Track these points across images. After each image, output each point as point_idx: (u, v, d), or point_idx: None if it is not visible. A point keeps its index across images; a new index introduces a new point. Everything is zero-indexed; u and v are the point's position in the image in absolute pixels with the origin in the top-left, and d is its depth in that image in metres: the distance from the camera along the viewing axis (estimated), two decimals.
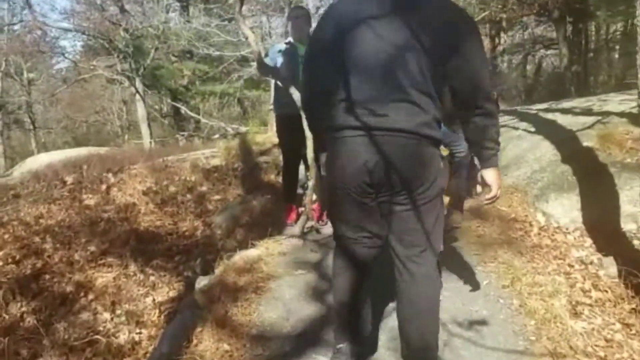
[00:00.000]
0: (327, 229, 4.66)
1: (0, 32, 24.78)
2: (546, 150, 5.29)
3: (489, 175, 2.31)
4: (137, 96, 22.31)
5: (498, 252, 3.84)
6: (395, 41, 2.06)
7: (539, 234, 4.26)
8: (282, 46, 4.64)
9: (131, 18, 21.26)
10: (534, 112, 7.30)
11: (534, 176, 4.95)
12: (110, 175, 6.83)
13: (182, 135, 22.53)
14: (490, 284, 3.39)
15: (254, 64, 19.51)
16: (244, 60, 19.77)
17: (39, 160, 17.62)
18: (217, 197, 6.19)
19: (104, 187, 6.56)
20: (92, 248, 5.14)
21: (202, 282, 3.64)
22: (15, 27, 24.62)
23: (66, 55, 24.55)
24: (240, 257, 3.90)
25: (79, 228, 5.51)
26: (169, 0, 22.31)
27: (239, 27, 4.29)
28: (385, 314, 2.99)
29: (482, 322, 2.92)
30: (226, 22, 21.16)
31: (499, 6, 14.66)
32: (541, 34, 22.29)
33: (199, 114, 23.23)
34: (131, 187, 6.45)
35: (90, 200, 6.26)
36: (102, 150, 18.69)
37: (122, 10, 21.65)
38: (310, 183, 4.53)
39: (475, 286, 3.33)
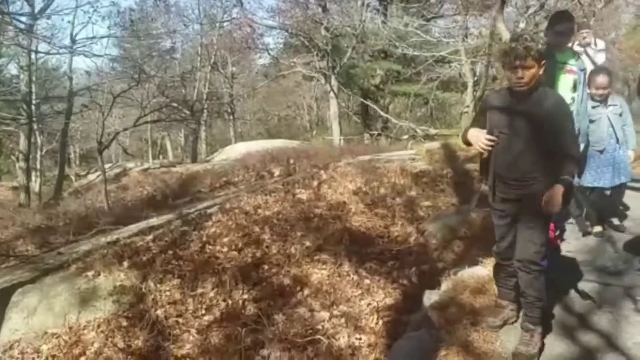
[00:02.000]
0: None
1: (212, 28, 27.14)
2: None
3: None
4: (331, 93, 22.94)
5: None
6: None
7: None
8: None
9: (332, 17, 21.93)
10: None
11: None
12: (322, 172, 6.96)
13: (371, 134, 22.80)
14: None
15: (450, 64, 19.24)
16: (439, 61, 19.44)
17: (237, 149, 19.05)
18: (427, 203, 5.99)
19: (315, 183, 6.70)
20: (307, 243, 5.23)
21: (432, 297, 3.45)
22: (226, 24, 26.72)
23: (269, 51, 25.93)
24: (470, 275, 3.65)
25: (294, 222, 5.65)
26: (368, 0, 22.64)
27: (497, 25, 4.01)
28: None
29: None
30: (425, 22, 20.98)
31: None
32: None
33: (387, 114, 23.32)
34: (342, 186, 6.50)
35: (302, 195, 6.42)
36: (294, 143, 19.67)
37: (324, 9, 22.40)
38: None
39: None
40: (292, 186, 6.73)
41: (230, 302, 4.53)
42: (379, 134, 21.52)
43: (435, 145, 9.67)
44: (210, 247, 5.27)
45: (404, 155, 9.47)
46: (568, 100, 4.33)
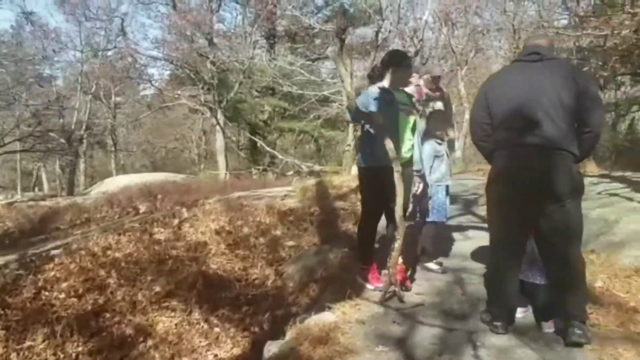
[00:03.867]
0: (412, 297, 4.18)
1: (94, 57, 26.04)
2: None
3: None
4: (217, 127, 22.62)
5: (619, 350, 3.22)
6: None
7: None
8: (376, 92, 4.27)
9: (219, 52, 21.75)
10: None
11: None
12: (184, 210, 6.61)
13: (257, 169, 22.64)
14: None
15: (334, 104, 19.63)
16: (324, 100, 19.77)
17: (116, 182, 18.09)
18: (291, 243, 5.82)
19: (176, 221, 6.34)
20: (157, 288, 4.86)
21: (271, 349, 3.22)
22: (109, 53, 25.75)
23: (153, 82, 25.21)
24: (315, 322, 3.47)
25: (146, 264, 5.26)
26: (256, 37, 22.71)
27: (337, 69, 4.02)
28: None
29: None
30: (310, 62, 21.35)
31: (600, 64, 13.89)
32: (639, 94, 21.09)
33: (274, 149, 23.31)
34: (204, 225, 6.18)
35: (160, 234, 6.03)
36: (178, 177, 19.02)
37: (211, 43, 22.19)
38: (397, 244, 4.07)
39: None
40: (150, 225, 6.32)
41: (62, 355, 4.05)
42: (264, 169, 21.39)
43: (312, 182, 9.63)
44: (47, 293, 4.75)
45: (281, 192, 9.32)
46: (408, 145, 4.38)
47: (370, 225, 4.45)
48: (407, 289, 4.30)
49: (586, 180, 5.05)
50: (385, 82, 4.29)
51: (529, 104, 3.31)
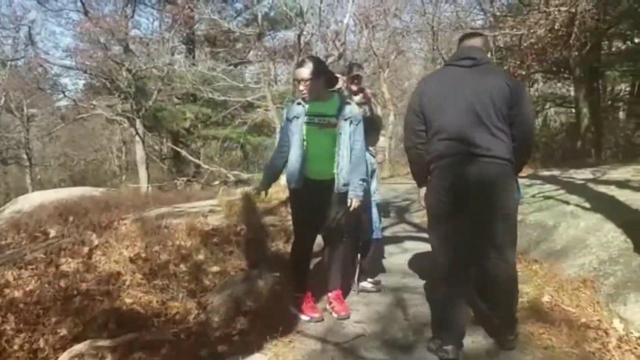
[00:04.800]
0: (351, 327, 3.79)
1: (2, 67, 24.34)
2: (612, 235, 4.44)
3: None
4: (137, 137, 21.65)
5: None
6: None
7: (619, 346, 3.36)
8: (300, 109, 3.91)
9: (135, 58, 20.79)
10: (580, 182, 6.50)
11: (603, 268, 4.06)
12: (94, 236, 5.95)
13: (182, 179, 21.80)
14: None
15: (259, 109, 19.11)
16: (248, 106, 19.21)
17: (31, 200, 16.78)
18: (215, 268, 5.29)
19: (86, 249, 5.68)
20: (63, 331, 4.20)
21: None
22: (19, 63, 24.12)
23: (66, 93, 23.80)
24: None
25: (50, 304, 4.58)
26: (174, 43, 21.90)
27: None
28: None
29: None
30: (232, 67, 20.73)
31: (517, 62, 14.14)
32: (551, 91, 21.84)
33: (199, 158, 22.53)
34: (117, 252, 5.55)
35: (68, 265, 5.36)
36: (98, 191, 17.94)
37: (126, 50, 21.21)
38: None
39: None
40: (57, 254, 5.63)
41: None
42: (188, 180, 20.58)
43: (237, 194, 9.12)
44: None
45: (205, 207, 8.75)
46: (328, 161, 4.02)
47: (302, 248, 4.04)
48: (318, 319, 3.92)
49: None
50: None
51: (466, 113, 3.17)
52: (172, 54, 21.47)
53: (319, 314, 3.92)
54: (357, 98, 5.59)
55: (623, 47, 17.03)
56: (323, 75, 3.90)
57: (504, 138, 3.16)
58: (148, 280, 5.08)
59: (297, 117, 3.83)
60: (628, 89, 19.30)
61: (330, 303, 4.07)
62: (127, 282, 5.06)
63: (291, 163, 3.82)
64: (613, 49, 17.31)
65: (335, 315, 3.97)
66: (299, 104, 3.91)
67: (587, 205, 5.28)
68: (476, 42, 3.49)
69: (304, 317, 3.92)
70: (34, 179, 30.92)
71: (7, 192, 30.95)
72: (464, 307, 3.35)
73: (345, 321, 3.88)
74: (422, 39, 22.22)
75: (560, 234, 4.87)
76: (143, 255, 5.50)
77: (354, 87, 5.56)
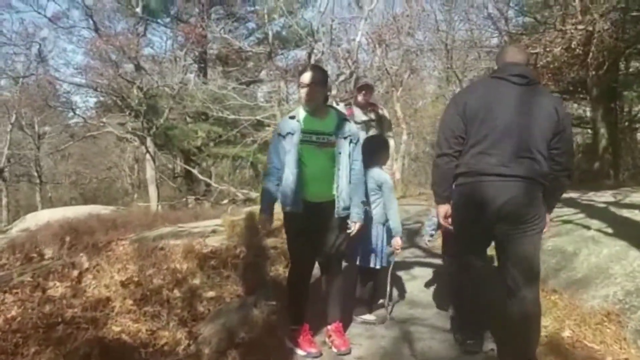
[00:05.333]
0: None
1: (14, 84, 24.44)
2: (638, 263, 4.07)
3: (547, 217, 3.28)
4: (147, 155, 21.52)
5: None
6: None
7: None
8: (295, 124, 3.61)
9: (147, 77, 20.77)
10: (601, 205, 6.11)
11: (630, 301, 3.69)
12: (84, 258, 5.66)
13: (195, 198, 21.64)
14: None
15: (268, 128, 18.90)
16: (258, 124, 19.01)
17: (39, 217, 16.67)
18: (211, 293, 4.96)
19: (75, 273, 5.39)
20: None
21: None
22: (30, 81, 24.18)
23: (76, 110, 23.77)
24: None
25: (31, 331, 4.30)
26: (186, 61, 21.88)
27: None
28: None
29: None
30: (244, 86, 20.59)
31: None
32: (567, 112, 21.45)
33: (210, 177, 22.36)
34: (109, 276, 5.26)
35: (55, 289, 5.08)
36: (108, 209, 17.78)
37: (138, 67, 21.21)
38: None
39: None
40: (45, 278, 5.35)
41: None
42: (197, 199, 20.37)
43: (242, 216, 8.82)
44: None
45: (209, 226, 8.47)
46: (325, 183, 3.71)
47: (300, 276, 3.72)
48: (347, 352, 3.58)
49: None
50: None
51: (511, 133, 3.08)
52: (185, 73, 21.44)
53: (317, 349, 3.58)
54: (362, 115, 5.30)
55: None
56: (325, 84, 3.62)
57: (543, 163, 3.10)
58: (139, 306, 4.78)
59: (292, 134, 3.53)
60: None
61: (329, 336, 3.73)
62: (116, 309, 4.77)
63: (286, 184, 3.52)
64: (631, 69, 16.91)
65: (335, 350, 3.63)
66: (292, 117, 3.62)
67: (610, 230, 4.90)
68: (524, 58, 3.37)
69: (300, 352, 3.58)
70: (44, 197, 30.92)
71: (18, 209, 30.95)
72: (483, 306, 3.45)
73: (345, 357, 3.53)
74: (436, 57, 21.94)
75: (581, 261, 4.49)
76: (136, 279, 5.20)
77: (361, 99, 5.26)
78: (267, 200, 3.75)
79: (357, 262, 4.18)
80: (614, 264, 4.21)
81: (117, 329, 4.45)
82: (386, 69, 19.72)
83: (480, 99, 3.20)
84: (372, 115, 5.36)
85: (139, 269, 5.37)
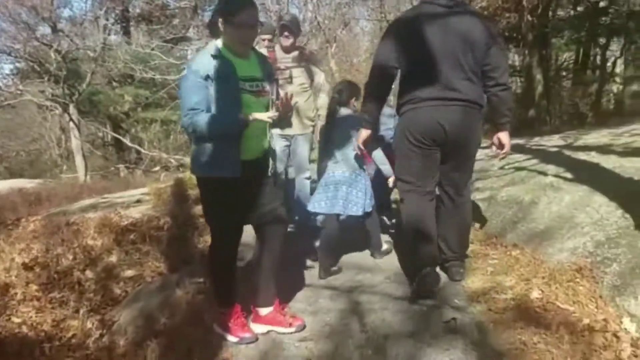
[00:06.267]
0: (294, 347, 2.92)
1: None
2: (606, 210, 3.68)
3: (505, 137, 3.34)
4: (71, 124, 20.17)
5: None
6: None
7: (635, 354, 2.61)
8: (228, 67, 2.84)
9: (65, 39, 19.26)
10: (553, 149, 5.76)
11: (602, 253, 3.28)
12: None
13: (126, 167, 20.58)
14: None
15: None
16: None
17: None
18: (129, 272, 4.30)
19: None
20: None
21: None
22: None
23: None
24: None
25: None
26: (108, 21, 20.44)
27: None
28: None
29: None
30: (171, 44, 19.40)
31: None
32: None
33: (140, 143, 21.23)
34: (8, 258, 4.52)
35: None
36: (33, 183, 16.60)
37: (55, 30, 19.60)
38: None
39: None
40: None
41: None
42: (128, 167, 19.31)
43: (170, 183, 8.13)
44: None
45: (134, 196, 7.75)
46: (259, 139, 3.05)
47: (226, 252, 3.08)
48: (252, 338, 3.02)
49: (481, 153, 4.16)
50: (219, 42, 2.91)
51: (448, 55, 3.11)
52: (107, 34, 20.05)
53: (251, 334, 3.01)
54: (291, 56, 4.65)
55: (570, 13, 16.84)
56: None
57: (478, 83, 3.19)
58: (44, 292, 4.10)
59: (223, 78, 2.79)
60: (572, 58, 19.21)
61: (273, 318, 3.15)
62: (18, 296, 4.08)
63: (219, 143, 2.82)
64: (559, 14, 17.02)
65: (284, 329, 3.06)
66: (215, 56, 2.85)
67: (569, 175, 4.51)
68: None
69: (232, 339, 3.00)
70: None
71: None
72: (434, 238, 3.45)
73: (286, 340, 2.99)
74: (369, 7, 21.42)
75: (542, 211, 4.09)
76: (41, 260, 4.48)
77: (285, 42, 4.58)
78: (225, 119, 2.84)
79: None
80: (578, 212, 3.82)
81: (17, 320, 3.79)
82: (318, 23, 19.04)
83: (411, 26, 3.21)
84: (300, 58, 4.66)
85: (46, 249, 4.65)
